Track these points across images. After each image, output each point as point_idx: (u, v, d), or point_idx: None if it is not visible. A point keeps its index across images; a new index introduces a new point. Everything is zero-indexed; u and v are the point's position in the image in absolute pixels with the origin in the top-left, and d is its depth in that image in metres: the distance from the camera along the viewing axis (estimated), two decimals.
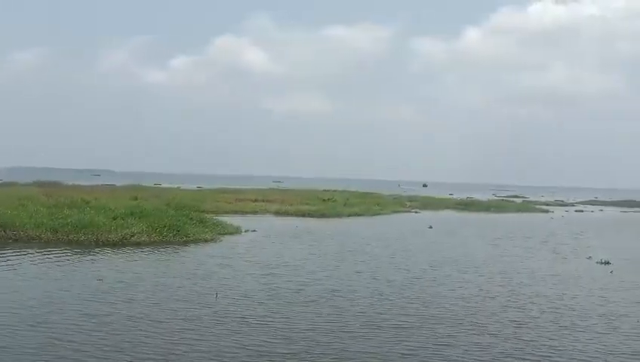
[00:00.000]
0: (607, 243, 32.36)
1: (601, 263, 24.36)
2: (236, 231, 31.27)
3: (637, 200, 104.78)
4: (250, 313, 13.26)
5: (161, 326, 11.96)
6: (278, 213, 47.27)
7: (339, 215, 47.65)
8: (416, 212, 57.59)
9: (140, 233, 25.32)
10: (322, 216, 45.99)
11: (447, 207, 67.56)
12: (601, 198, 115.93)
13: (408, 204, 65.22)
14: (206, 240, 26.66)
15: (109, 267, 18.74)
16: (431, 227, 39.03)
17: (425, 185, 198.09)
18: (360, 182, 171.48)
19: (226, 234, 29.86)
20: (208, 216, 34.59)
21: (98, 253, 21.61)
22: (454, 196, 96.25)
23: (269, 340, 11.26)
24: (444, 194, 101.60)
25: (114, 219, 26.87)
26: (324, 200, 57.52)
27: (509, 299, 16.07)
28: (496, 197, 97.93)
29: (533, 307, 15.08)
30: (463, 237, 32.83)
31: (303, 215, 46.09)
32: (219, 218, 34.59)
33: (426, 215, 54.18)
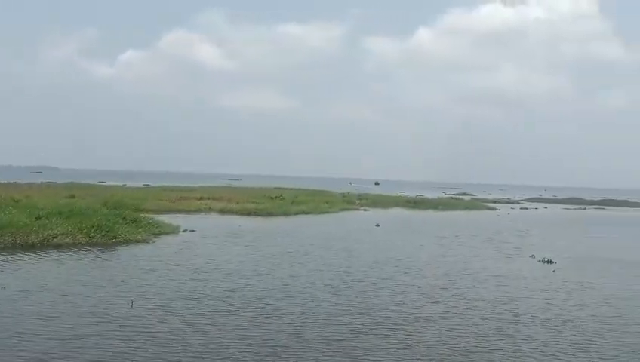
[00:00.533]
0: (549, 241, 32.12)
1: (544, 262, 23.88)
2: (173, 230, 29.52)
3: (579, 197, 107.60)
4: (161, 327, 11.71)
5: (38, 347, 10.25)
6: (223, 212, 45.51)
7: (286, 213, 46.26)
8: (364, 210, 56.79)
9: (63, 234, 23.37)
10: (269, 214, 44.51)
11: (397, 205, 67.10)
12: (545, 196, 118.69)
13: (357, 202, 64.43)
14: (137, 241, 24.86)
15: (18, 273, 16.80)
16: (378, 225, 38.15)
17: (377, 183, 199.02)
18: (313, 180, 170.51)
19: (161, 234, 28.09)
20: (147, 215, 32.68)
21: (11, 256, 19.53)
22: (405, 194, 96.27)
23: (172, 360, 9.78)
24: (395, 192, 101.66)
25: (37, 219, 24.74)
26: (272, 198, 55.98)
27: (450, 303, 15.08)
28: (445, 195, 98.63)
29: (475, 313, 14.10)
30: (409, 236, 31.97)
31: (249, 213, 44.51)
32: (158, 217, 32.69)
33: (375, 213, 53.43)
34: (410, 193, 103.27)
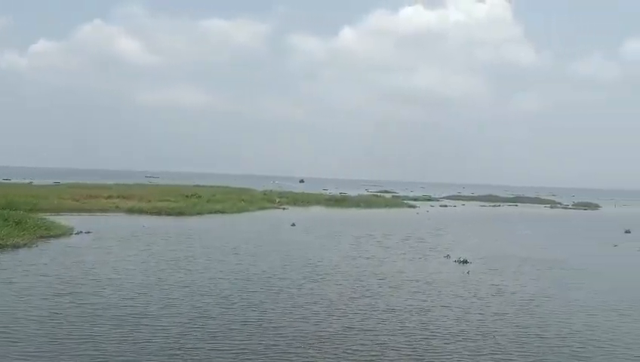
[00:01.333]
0: (465, 240, 31.43)
1: (460, 262, 22.87)
2: (65, 233, 26.48)
3: (495, 195, 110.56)
4: None
5: None
6: (131, 211, 42.19)
7: (199, 213, 43.53)
8: (283, 208, 54.84)
9: None
10: (180, 214, 41.65)
11: (318, 203, 65.66)
12: (464, 194, 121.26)
13: (278, 200, 62.34)
14: (16, 246, 21.78)
15: None
16: (294, 224, 36.33)
17: (302, 181, 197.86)
18: (239, 178, 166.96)
19: (50, 237, 25.01)
20: (40, 215, 29.36)
21: None
22: (328, 192, 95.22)
23: None
24: (318, 190, 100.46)
25: None
26: (187, 196, 52.96)
27: (358, 317, 13.35)
28: (367, 193, 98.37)
29: (385, 327, 12.44)
30: (325, 236, 30.28)
31: (159, 213, 41.50)
32: (56, 218, 29.45)
33: (294, 211, 51.61)
34: (334, 191, 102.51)
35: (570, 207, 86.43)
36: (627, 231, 41.71)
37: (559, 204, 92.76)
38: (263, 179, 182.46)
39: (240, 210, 47.96)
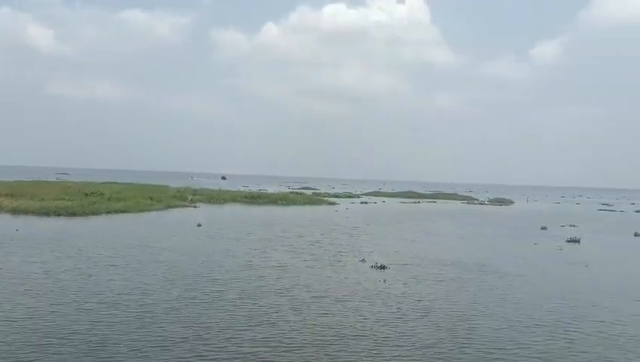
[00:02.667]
0: (383, 241, 28.89)
1: (376, 268, 20.15)
2: None
3: (414, 191, 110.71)
4: None
5: None
6: (15, 211, 36.87)
7: (96, 212, 38.67)
8: (194, 206, 50.58)
9: None
10: (72, 214, 36.66)
11: (235, 201, 61.80)
12: (384, 190, 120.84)
13: (190, 197, 57.91)
14: None
15: None
16: (200, 225, 32.58)
17: (224, 178, 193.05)
18: (156, 174, 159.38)
19: None
20: None
21: None
22: (248, 189, 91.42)
23: None
24: (238, 187, 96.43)
25: None
26: (87, 194, 47.63)
27: (245, 340, 10.01)
28: (288, 190, 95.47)
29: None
30: (229, 238, 26.74)
31: (48, 213, 36.35)
32: None
33: (206, 210, 47.62)
34: (255, 187, 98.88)
35: (486, 203, 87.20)
36: (543, 228, 40.96)
37: (476, 200, 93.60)
38: (185, 176, 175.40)
39: (144, 209, 43.35)
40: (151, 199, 49.04)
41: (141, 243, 23.86)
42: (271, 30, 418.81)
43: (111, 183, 70.43)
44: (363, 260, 21.74)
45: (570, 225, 44.85)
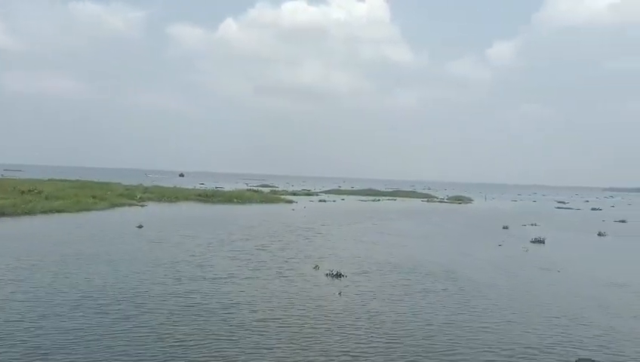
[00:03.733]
0: (340, 243, 26.47)
1: (331, 276, 17.73)
2: None
3: (374, 188, 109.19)
4: None
5: None
6: None
7: (30, 212, 35.01)
8: (142, 205, 47.13)
9: None
10: (1, 214, 32.94)
11: (188, 199, 58.49)
12: (344, 188, 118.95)
13: (139, 195, 54.30)
14: None
15: None
16: (141, 226, 29.49)
17: (182, 175, 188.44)
18: (110, 172, 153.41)
19: None
20: None
21: None
22: (204, 186, 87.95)
23: None
24: (195, 185, 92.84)
25: None
26: (22, 192, 43.63)
27: None
28: (246, 187, 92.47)
29: None
30: (169, 243, 23.81)
31: None
32: None
33: (153, 209, 44.33)
34: (213, 185, 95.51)
35: (445, 200, 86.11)
36: (505, 227, 39.40)
37: (435, 198, 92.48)
38: (136, 172, 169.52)
39: (85, 209, 39.77)
40: (94, 198, 45.35)
41: (63, 249, 20.69)
42: (230, 26, 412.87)
43: (56, 181, 66.11)
44: (317, 267, 19.27)
45: (532, 224, 43.56)
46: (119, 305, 12.90)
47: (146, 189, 62.59)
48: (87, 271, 16.67)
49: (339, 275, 17.94)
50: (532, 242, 30.39)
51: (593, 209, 76.60)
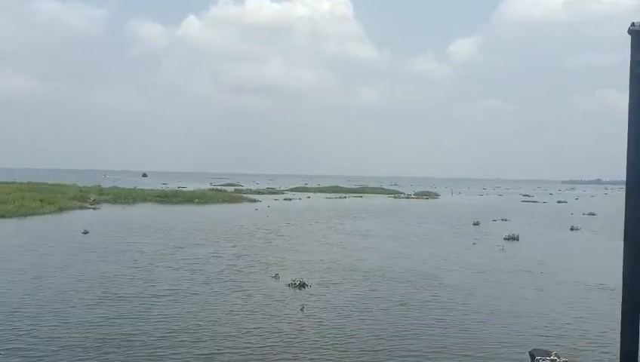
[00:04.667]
0: (304, 246, 24.21)
1: (293, 286, 15.58)
2: None
3: (340, 186, 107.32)
4: None
5: None
6: None
7: None
8: (94, 208, 43.92)
9: None
10: None
11: (146, 200, 55.39)
12: (310, 185, 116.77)
13: (93, 198, 50.92)
14: None
15: None
16: (86, 232, 26.68)
17: (145, 175, 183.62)
18: (71, 173, 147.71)
19: None
20: None
21: None
22: (167, 186, 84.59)
23: None
24: (158, 185, 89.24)
25: None
26: None
27: None
28: (210, 186, 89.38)
29: None
30: (113, 251, 21.14)
31: None
32: None
33: (106, 212, 41.31)
34: (176, 185, 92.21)
35: (412, 196, 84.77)
36: (476, 224, 37.76)
37: (402, 193, 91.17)
38: (94, 173, 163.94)
39: (28, 213, 36.47)
40: (41, 201, 41.92)
41: (5, 261, 17.90)
42: (192, 23, 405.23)
43: (1, 184, 61.92)
44: (277, 276, 16.97)
45: (502, 219, 42.17)
46: (12, 342, 10.34)
47: (101, 191, 59.17)
48: (5, 291, 13.98)
49: (302, 285, 15.73)
50: (506, 239, 28.74)
51: (559, 202, 76.30)
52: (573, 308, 14.05)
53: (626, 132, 3.30)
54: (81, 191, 56.68)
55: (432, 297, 14.84)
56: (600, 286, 16.82)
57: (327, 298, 14.40)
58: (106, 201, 51.71)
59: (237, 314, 12.50)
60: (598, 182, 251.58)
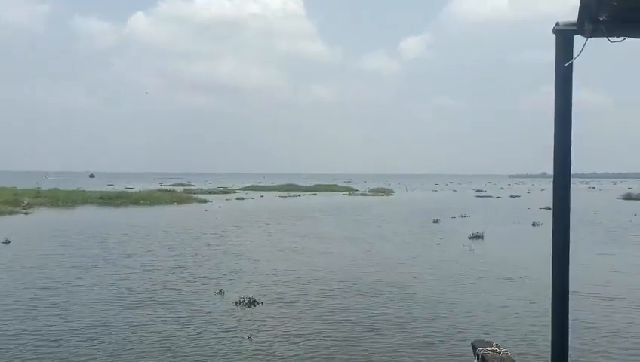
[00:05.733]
0: (255, 253, 21.47)
1: (242, 304, 12.97)
2: None
3: (294, 183, 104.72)
4: None
5: None
6: None
7: None
8: (25, 213, 39.74)
9: None
10: None
11: (87, 202, 51.26)
12: (263, 183, 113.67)
13: (26, 201, 46.49)
14: None
15: None
16: (8, 241, 23.23)
17: (92, 176, 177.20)
18: (10, 174, 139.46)
19: None
20: None
21: None
22: (113, 187, 80.00)
23: None
24: (102, 186, 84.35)
25: None
26: None
27: None
28: (160, 186, 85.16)
29: None
30: (30, 267, 17.86)
31: None
32: None
33: (38, 217, 37.32)
34: (124, 185, 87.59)
35: (367, 193, 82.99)
36: (435, 221, 35.93)
37: (357, 190, 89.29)
38: (38, 175, 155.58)
39: None
40: None
41: None
42: (140, 20, 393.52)
43: None
44: (221, 292, 14.27)
45: (461, 216, 40.56)
46: None
47: (38, 193, 54.54)
48: None
49: (252, 303, 13.10)
50: (470, 238, 26.89)
51: (512, 196, 76.07)
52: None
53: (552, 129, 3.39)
54: (15, 194, 52.02)
55: (407, 316, 12.42)
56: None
57: (281, 321, 11.81)
58: (42, 205, 47.44)
59: (167, 351, 9.75)
60: (544, 175, 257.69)
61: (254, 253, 21.32)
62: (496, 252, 22.70)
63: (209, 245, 23.26)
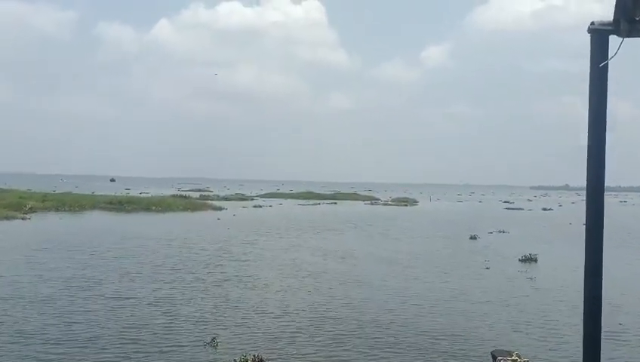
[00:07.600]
0: (266, 274, 17.25)
1: None
2: None
3: (313, 191, 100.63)
4: None
5: None
6: None
7: None
8: (23, 218, 36.19)
9: None
10: None
11: (95, 207, 47.78)
12: (282, 191, 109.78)
13: (29, 205, 43.05)
14: None
15: None
16: None
17: (113, 180, 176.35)
18: (24, 178, 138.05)
19: None
20: None
21: None
22: (129, 191, 76.99)
23: None
24: (119, 190, 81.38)
25: None
26: None
27: None
28: (177, 192, 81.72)
29: None
30: (23, 280, 13.95)
31: None
32: None
33: (36, 223, 33.93)
34: (141, 190, 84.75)
35: (389, 202, 78.30)
36: (472, 238, 31.37)
37: (378, 199, 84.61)
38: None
39: None
40: None
41: None
42: (163, 27, 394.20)
43: None
44: (214, 342, 10.09)
45: (499, 231, 35.85)
46: None
47: (44, 197, 51.18)
48: None
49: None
50: (522, 261, 22.46)
51: (544, 209, 70.72)
52: None
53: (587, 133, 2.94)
54: (20, 197, 48.74)
55: None
56: None
57: None
58: (47, 209, 44.08)
59: None
60: (566, 187, 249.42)
61: (264, 279, 17.03)
62: (555, 282, 17.98)
63: (210, 266, 18.98)
